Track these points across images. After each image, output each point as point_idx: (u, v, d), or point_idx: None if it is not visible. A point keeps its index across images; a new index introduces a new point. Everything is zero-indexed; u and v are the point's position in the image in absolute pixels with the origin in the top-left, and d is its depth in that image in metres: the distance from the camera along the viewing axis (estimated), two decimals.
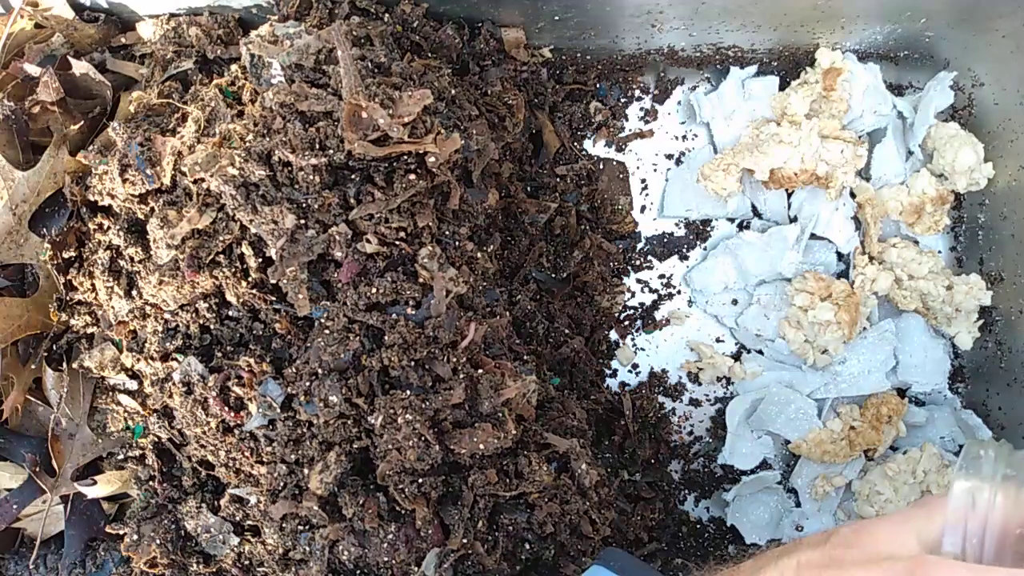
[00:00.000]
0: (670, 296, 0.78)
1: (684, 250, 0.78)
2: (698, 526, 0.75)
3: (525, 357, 0.64)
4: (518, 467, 0.58)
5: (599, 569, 0.47)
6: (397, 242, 0.55)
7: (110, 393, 0.64)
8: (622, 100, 0.79)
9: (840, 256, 0.76)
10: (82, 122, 0.66)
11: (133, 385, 0.63)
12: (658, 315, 0.78)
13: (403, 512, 0.56)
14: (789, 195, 0.77)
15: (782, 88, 0.76)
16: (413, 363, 0.54)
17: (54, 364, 0.65)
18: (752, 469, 0.74)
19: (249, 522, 0.59)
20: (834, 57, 0.73)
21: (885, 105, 0.74)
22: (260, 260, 0.56)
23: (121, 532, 0.62)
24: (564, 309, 0.73)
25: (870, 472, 0.71)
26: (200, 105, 0.60)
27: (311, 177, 0.53)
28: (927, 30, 0.72)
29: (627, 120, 0.79)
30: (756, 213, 0.78)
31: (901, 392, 0.74)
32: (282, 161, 0.54)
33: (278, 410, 0.55)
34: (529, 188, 0.76)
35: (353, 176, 0.55)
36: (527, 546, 0.58)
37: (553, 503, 0.58)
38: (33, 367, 0.65)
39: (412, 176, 0.55)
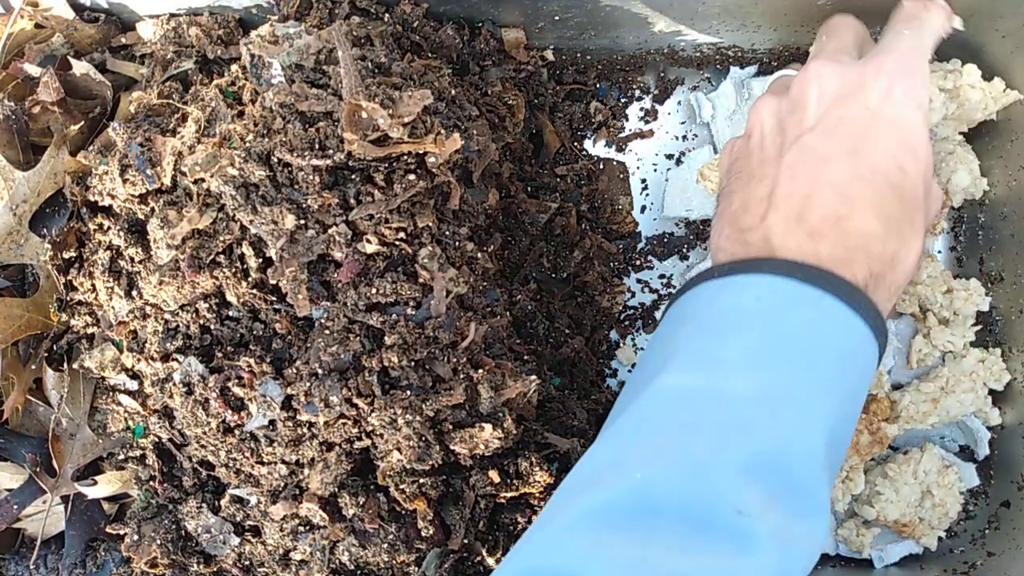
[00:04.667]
0: (670, 296, 0.78)
1: (684, 250, 0.78)
2: None
3: (525, 357, 0.64)
4: (519, 468, 0.58)
5: (681, 294, 0.48)
6: (397, 242, 0.55)
7: (110, 393, 0.64)
8: (622, 100, 0.79)
9: None
10: (82, 122, 0.66)
11: (133, 385, 0.63)
12: (658, 315, 0.78)
13: (403, 512, 0.56)
14: None
15: None
16: (413, 363, 0.54)
17: (54, 364, 0.65)
18: None
19: (250, 522, 0.60)
20: None
21: None
22: (260, 260, 0.56)
23: (121, 532, 0.62)
24: (564, 309, 0.73)
25: (870, 472, 0.71)
26: (200, 105, 0.60)
27: (311, 177, 0.53)
28: None
29: (627, 120, 0.79)
30: None
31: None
32: (282, 161, 0.54)
33: (278, 410, 0.55)
34: (529, 188, 0.76)
35: (353, 176, 0.55)
36: None
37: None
38: (33, 367, 0.65)
39: (412, 176, 0.55)
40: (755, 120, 0.52)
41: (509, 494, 0.57)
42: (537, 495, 0.58)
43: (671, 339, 0.46)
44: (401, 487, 0.55)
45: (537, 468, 0.57)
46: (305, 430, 0.56)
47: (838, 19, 0.55)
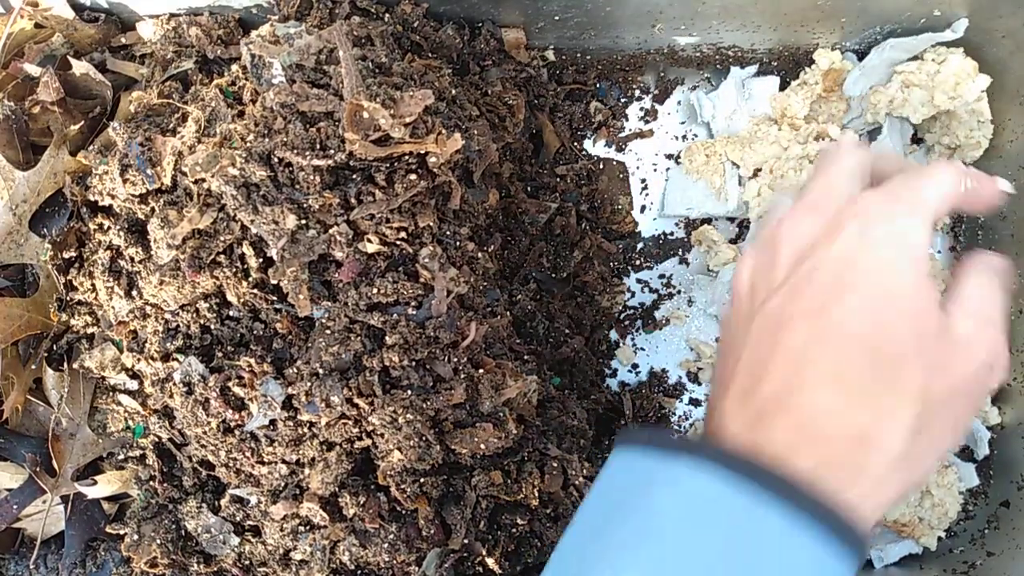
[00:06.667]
0: (670, 296, 0.78)
1: (683, 250, 0.78)
2: None
3: (525, 357, 0.64)
4: (520, 470, 0.58)
5: (621, 454, 0.40)
6: (398, 242, 0.55)
7: (110, 393, 0.64)
8: (622, 100, 0.79)
9: None
10: (82, 122, 0.66)
11: (133, 385, 0.63)
12: (658, 315, 0.78)
13: (404, 512, 0.56)
14: None
15: (782, 88, 0.76)
16: (414, 363, 0.54)
17: (54, 364, 0.65)
18: None
19: (250, 522, 0.60)
20: (833, 58, 0.73)
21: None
22: (261, 260, 0.56)
23: (121, 532, 0.62)
24: (564, 309, 0.73)
25: None
26: (200, 105, 0.60)
27: (312, 177, 0.53)
28: (927, 30, 0.72)
29: (627, 120, 0.79)
30: None
31: None
32: (283, 161, 0.54)
33: (279, 410, 0.55)
34: (529, 188, 0.76)
35: (354, 176, 0.55)
36: (535, 552, 0.58)
37: (548, 507, 0.58)
38: (33, 367, 0.65)
39: (413, 176, 0.55)
40: (735, 283, 0.45)
41: (511, 498, 0.57)
42: (535, 500, 0.58)
43: (603, 531, 0.38)
44: (402, 487, 0.55)
45: (535, 472, 0.58)
46: (306, 430, 0.56)
47: (833, 148, 0.45)
